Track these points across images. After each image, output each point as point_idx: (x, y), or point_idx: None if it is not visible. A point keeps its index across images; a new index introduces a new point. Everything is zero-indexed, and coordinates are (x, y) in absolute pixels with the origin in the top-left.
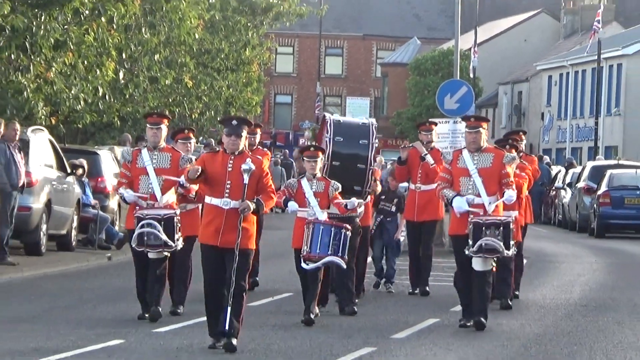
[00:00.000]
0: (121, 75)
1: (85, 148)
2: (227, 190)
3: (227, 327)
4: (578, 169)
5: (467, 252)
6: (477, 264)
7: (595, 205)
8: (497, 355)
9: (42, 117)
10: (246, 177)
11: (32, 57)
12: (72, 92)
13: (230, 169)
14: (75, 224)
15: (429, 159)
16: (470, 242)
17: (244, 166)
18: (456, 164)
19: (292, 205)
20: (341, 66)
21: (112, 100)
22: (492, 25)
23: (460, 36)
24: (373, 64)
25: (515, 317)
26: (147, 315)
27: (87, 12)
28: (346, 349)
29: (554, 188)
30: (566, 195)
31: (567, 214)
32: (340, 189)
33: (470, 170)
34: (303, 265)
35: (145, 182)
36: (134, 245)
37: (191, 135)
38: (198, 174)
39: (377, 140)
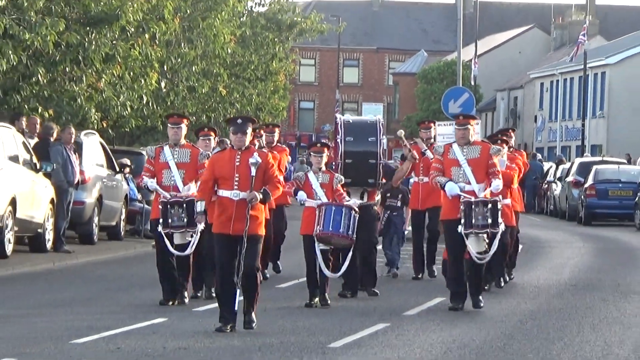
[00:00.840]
0: (163, 84)
1: (132, 149)
2: (236, 183)
3: (235, 307)
4: (567, 165)
5: (459, 230)
6: (472, 244)
7: (582, 197)
8: (496, 329)
9: (94, 122)
10: (253, 170)
11: (85, 69)
12: (120, 99)
13: (238, 164)
14: (123, 216)
15: (429, 153)
16: (462, 221)
17: (251, 160)
18: (447, 156)
19: (301, 195)
20: (357, 76)
21: (155, 106)
22: (491, 39)
23: (462, 48)
24: (385, 73)
25: (512, 296)
26: (170, 301)
27: (132, 29)
28: (363, 325)
29: (546, 182)
30: (557, 188)
31: (558, 204)
32: (343, 181)
33: (460, 160)
34: (316, 250)
35: (167, 175)
36: (159, 229)
37: (211, 133)
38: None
39: (384, 136)
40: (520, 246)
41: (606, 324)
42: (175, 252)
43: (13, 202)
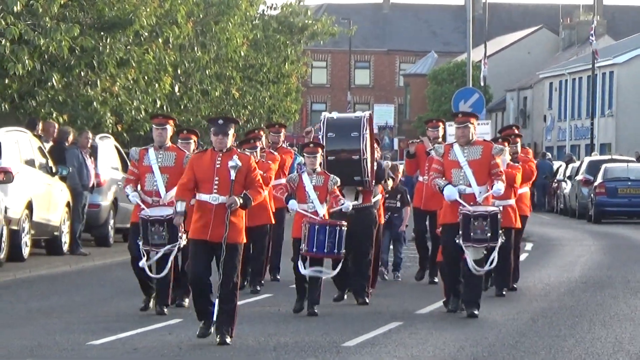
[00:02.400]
0: (177, 88)
1: None
2: (216, 187)
3: (215, 319)
4: (577, 163)
5: (457, 241)
6: (470, 252)
7: (592, 195)
8: (508, 327)
9: (109, 125)
10: (233, 173)
11: (99, 74)
12: (134, 103)
13: (218, 166)
14: None
15: (434, 153)
16: (460, 232)
17: (230, 163)
18: (447, 157)
19: (293, 204)
20: (369, 77)
21: (169, 110)
22: (500, 40)
23: (472, 49)
24: (396, 75)
25: (523, 294)
26: (150, 305)
27: (146, 34)
28: (376, 324)
29: (556, 181)
30: (567, 187)
31: (568, 203)
32: (339, 183)
33: (461, 162)
34: (300, 269)
35: (150, 179)
36: (140, 244)
37: (192, 136)
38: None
39: (367, 131)
40: (530, 245)
41: (617, 321)
42: (153, 276)
43: (29, 206)
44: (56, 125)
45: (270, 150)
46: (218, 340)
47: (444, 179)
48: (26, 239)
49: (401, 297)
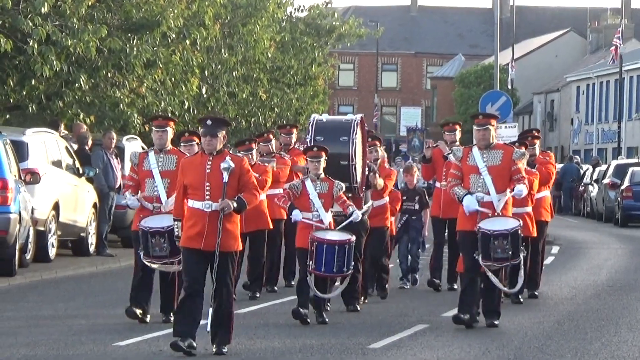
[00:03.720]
0: (204, 90)
1: None
2: (208, 193)
3: (209, 329)
4: (603, 167)
5: (475, 257)
6: (491, 267)
7: (619, 199)
8: (534, 330)
9: (136, 126)
10: (225, 176)
11: (127, 75)
12: (162, 105)
13: (209, 171)
14: None
15: (452, 157)
16: (479, 250)
17: (223, 164)
18: (466, 162)
19: (296, 214)
20: (396, 80)
21: (196, 112)
22: (527, 43)
23: (499, 52)
24: (423, 77)
25: (549, 297)
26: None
27: (173, 35)
28: (402, 326)
29: (582, 184)
30: (593, 190)
31: (595, 206)
32: (344, 189)
33: (480, 167)
34: (311, 290)
35: (150, 185)
36: (141, 255)
37: (194, 138)
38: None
39: (357, 135)
40: (552, 257)
41: None
42: (157, 267)
43: (56, 207)
44: (85, 127)
45: (281, 154)
46: (215, 350)
47: (462, 187)
48: (53, 239)
49: (427, 299)
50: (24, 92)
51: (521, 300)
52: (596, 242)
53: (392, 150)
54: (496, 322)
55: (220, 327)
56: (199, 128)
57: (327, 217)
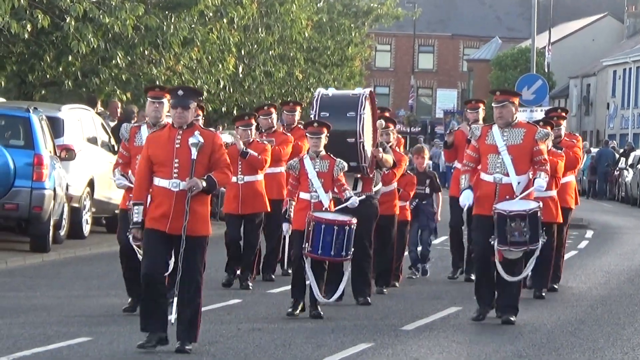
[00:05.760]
0: (240, 69)
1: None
2: (176, 170)
3: (173, 321)
4: (639, 152)
5: (491, 242)
6: (506, 252)
7: None
8: (567, 314)
9: None
10: (194, 152)
11: (163, 53)
12: (198, 83)
13: (178, 146)
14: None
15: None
16: (495, 234)
17: (191, 139)
18: (484, 141)
19: (285, 227)
20: (432, 62)
21: (232, 91)
22: (564, 27)
23: (536, 36)
24: (460, 60)
25: (583, 282)
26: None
27: (210, 14)
28: (435, 309)
29: (617, 169)
30: (628, 175)
31: (629, 191)
32: (346, 169)
33: (499, 147)
34: (306, 269)
35: None
36: (130, 237)
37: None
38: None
39: (366, 110)
40: (586, 242)
41: None
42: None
43: (91, 184)
44: (119, 104)
45: (283, 131)
46: (178, 346)
47: (468, 178)
48: (87, 216)
49: (461, 283)
50: (60, 69)
51: (544, 295)
52: (630, 227)
53: (428, 132)
54: (512, 319)
55: (185, 322)
56: (171, 99)
57: (327, 199)
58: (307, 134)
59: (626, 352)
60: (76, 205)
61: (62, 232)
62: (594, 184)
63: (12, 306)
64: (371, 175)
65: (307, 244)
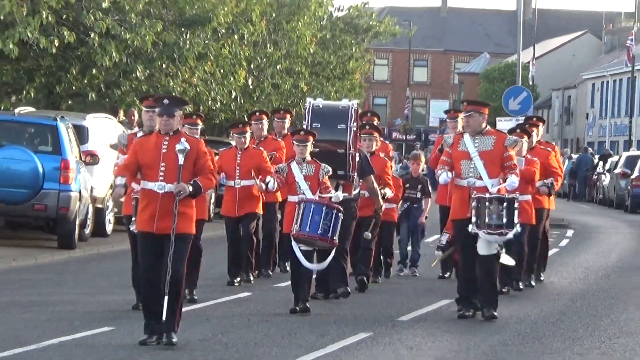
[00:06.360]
0: (250, 81)
1: (221, 139)
2: (162, 174)
3: (164, 317)
4: (615, 158)
5: (470, 229)
6: (482, 248)
7: (629, 187)
8: (549, 307)
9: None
10: (181, 158)
11: (180, 66)
12: (211, 94)
13: (164, 151)
14: (213, 200)
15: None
16: (474, 219)
17: (178, 146)
18: (457, 148)
19: (270, 181)
20: (426, 75)
21: (242, 101)
22: (547, 43)
23: (521, 51)
24: (452, 73)
25: (564, 277)
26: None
27: (223, 30)
28: (429, 301)
29: (596, 173)
30: (606, 179)
31: (607, 194)
32: (330, 173)
33: (471, 153)
34: (293, 246)
35: None
36: (132, 228)
37: (198, 121)
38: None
39: (354, 123)
40: (566, 240)
41: None
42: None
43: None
44: (135, 112)
45: (274, 137)
46: (165, 341)
47: (448, 170)
48: (109, 216)
49: (453, 278)
50: (85, 81)
51: (504, 290)
52: (607, 227)
53: (422, 140)
54: (495, 313)
55: (170, 315)
56: (158, 108)
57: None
58: (294, 141)
59: (603, 342)
60: (100, 206)
61: (87, 231)
62: (574, 187)
63: (41, 299)
64: (353, 182)
65: (295, 225)
